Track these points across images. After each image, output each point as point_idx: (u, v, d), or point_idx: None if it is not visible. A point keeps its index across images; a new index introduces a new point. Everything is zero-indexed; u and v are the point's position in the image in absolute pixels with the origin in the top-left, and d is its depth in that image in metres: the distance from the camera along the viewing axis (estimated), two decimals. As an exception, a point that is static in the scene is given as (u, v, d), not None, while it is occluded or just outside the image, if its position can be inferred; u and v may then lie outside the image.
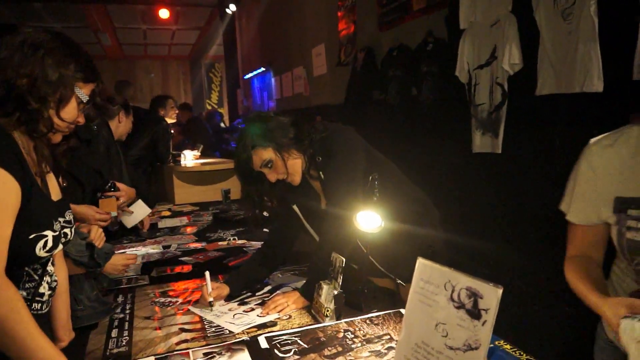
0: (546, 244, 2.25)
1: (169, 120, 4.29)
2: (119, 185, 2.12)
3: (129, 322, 1.53)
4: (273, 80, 6.64)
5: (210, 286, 1.63)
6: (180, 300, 1.70)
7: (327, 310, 1.44)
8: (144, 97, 13.57)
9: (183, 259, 2.18)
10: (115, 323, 1.53)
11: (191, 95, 14.45)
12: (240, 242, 2.44)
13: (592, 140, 1.20)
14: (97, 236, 1.55)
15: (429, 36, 3.08)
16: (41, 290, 1.14)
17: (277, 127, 1.59)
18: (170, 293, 1.77)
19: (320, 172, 1.62)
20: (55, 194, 1.23)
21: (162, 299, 1.71)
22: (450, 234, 1.90)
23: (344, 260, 1.44)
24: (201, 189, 3.89)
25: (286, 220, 1.81)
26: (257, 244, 2.37)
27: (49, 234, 1.10)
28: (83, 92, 1.16)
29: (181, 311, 1.60)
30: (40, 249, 1.08)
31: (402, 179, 1.77)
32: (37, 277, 1.14)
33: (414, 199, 1.75)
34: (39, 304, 1.14)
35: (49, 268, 1.19)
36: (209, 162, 4.26)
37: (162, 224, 2.92)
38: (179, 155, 4.09)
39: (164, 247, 2.38)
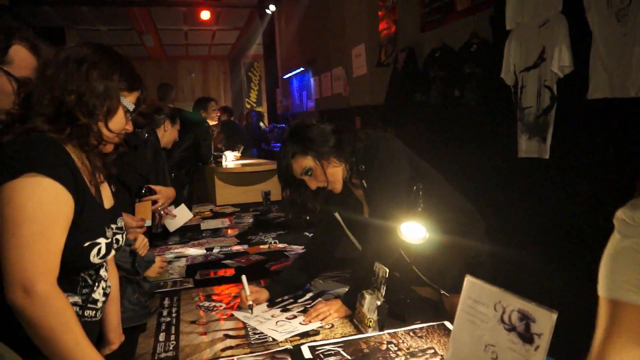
0: (597, 256, 2.17)
1: (211, 122, 4.37)
2: (155, 187, 2.17)
3: (175, 326, 1.57)
4: (312, 80, 6.66)
5: (248, 290, 1.66)
6: (224, 305, 1.73)
7: (370, 321, 1.43)
8: (185, 98, 13.89)
9: (226, 262, 2.22)
10: (163, 326, 1.57)
11: (231, 95, 14.67)
12: (281, 245, 2.46)
13: (619, 211, 0.92)
14: (142, 245, 1.60)
15: (473, 37, 3.01)
16: (95, 296, 1.19)
17: (318, 135, 1.59)
18: (214, 297, 1.81)
19: (363, 181, 1.62)
20: (108, 201, 1.28)
21: (207, 303, 1.75)
22: (495, 243, 1.85)
23: (387, 271, 1.43)
24: (242, 189, 3.95)
25: (328, 227, 1.81)
26: (298, 248, 2.38)
27: (102, 241, 1.14)
28: (128, 100, 1.20)
29: (225, 316, 1.63)
30: (94, 256, 1.12)
31: (447, 188, 1.74)
32: (91, 282, 1.18)
33: (459, 209, 1.71)
34: (93, 312, 1.19)
35: (102, 273, 1.23)
36: (250, 164, 4.32)
37: (204, 226, 2.97)
38: (221, 157, 4.16)
39: (207, 250, 2.43)
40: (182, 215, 2.56)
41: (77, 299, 1.14)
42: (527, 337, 0.84)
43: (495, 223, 2.43)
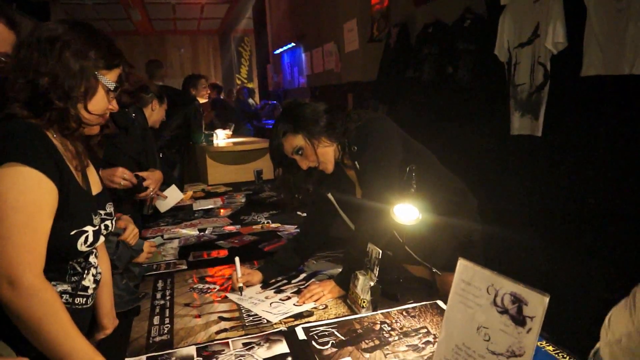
0: (587, 234, 2.19)
1: (201, 100, 4.32)
2: (143, 174, 2.14)
3: (169, 309, 1.57)
4: (304, 55, 6.57)
5: (240, 272, 1.66)
6: (217, 286, 1.73)
7: (364, 302, 1.44)
8: (174, 74, 13.68)
9: (219, 242, 2.22)
10: (157, 310, 1.57)
11: (221, 71, 14.49)
12: (274, 225, 2.45)
13: None
14: (132, 235, 1.58)
15: (467, 12, 2.98)
16: (85, 283, 1.18)
17: (310, 114, 1.58)
18: (208, 279, 1.81)
19: (356, 162, 1.61)
20: (96, 187, 1.25)
21: (201, 285, 1.75)
22: (487, 221, 1.86)
23: (380, 252, 1.43)
24: (234, 168, 3.93)
25: (321, 208, 1.80)
26: (291, 228, 2.38)
27: (90, 229, 1.12)
28: (108, 79, 1.14)
29: (219, 298, 1.63)
30: (81, 244, 1.11)
31: (440, 168, 1.73)
32: (80, 270, 1.17)
33: (452, 188, 1.72)
34: (84, 299, 1.18)
35: (92, 260, 1.22)
36: (241, 142, 4.29)
37: (196, 206, 2.96)
38: (212, 135, 4.12)
39: (200, 231, 2.42)
40: (173, 196, 2.54)
41: (66, 287, 1.13)
42: (519, 319, 0.85)
43: (487, 200, 2.44)
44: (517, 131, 2.58)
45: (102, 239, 1.21)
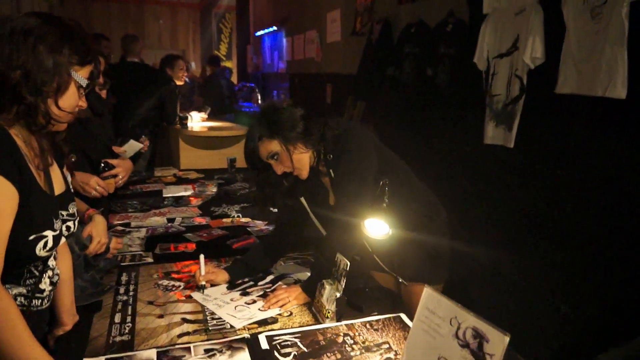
0: (551, 244, 2.25)
1: (178, 83, 4.22)
2: (113, 161, 2.09)
3: (132, 306, 1.55)
4: (285, 40, 6.49)
5: (205, 270, 1.66)
6: (182, 284, 1.72)
7: (328, 312, 1.45)
8: (151, 44, 13.35)
9: (187, 235, 2.19)
10: (119, 306, 1.55)
11: (199, 46, 14.18)
12: (244, 220, 2.44)
13: None
14: (96, 250, 1.56)
15: (449, 16, 2.97)
16: (42, 286, 1.15)
17: (287, 119, 1.57)
18: (174, 275, 1.79)
19: (330, 170, 1.61)
20: (59, 186, 1.21)
21: (165, 282, 1.73)
22: (455, 231, 1.90)
23: (348, 263, 1.44)
24: (207, 153, 3.87)
25: (293, 211, 1.80)
26: (261, 224, 2.37)
27: (49, 234, 1.09)
28: (81, 75, 1.11)
29: (184, 298, 1.62)
30: (40, 249, 1.07)
31: (412, 180, 1.75)
32: (37, 273, 1.14)
33: (424, 201, 1.74)
34: (39, 300, 1.15)
35: (50, 263, 1.19)
36: (216, 127, 4.22)
37: (166, 192, 2.92)
38: (186, 118, 4.04)
39: (169, 220, 2.39)
40: (131, 149, 2.50)
41: (21, 289, 1.10)
42: (479, 355, 0.87)
43: (455, 203, 2.48)
44: (491, 140, 2.61)
45: (63, 240, 1.18)
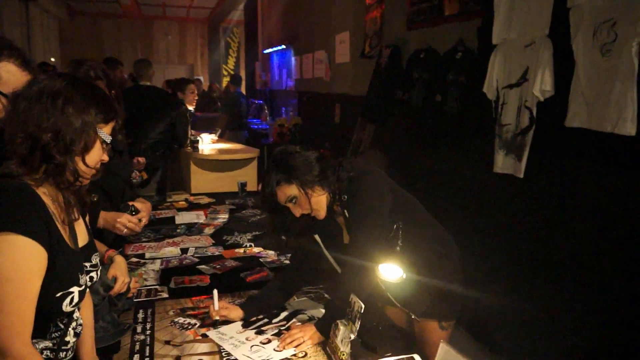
0: (561, 276, 2.26)
1: (189, 106, 4.28)
2: (138, 205, 2.13)
3: (149, 346, 1.57)
4: (293, 59, 6.56)
5: (217, 305, 1.70)
6: (198, 322, 1.74)
7: (343, 354, 1.46)
8: (159, 60, 13.51)
9: (201, 267, 2.22)
10: (137, 346, 1.57)
11: (207, 60, 14.33)
12: (256, 249, 2.47)
13: None
14: (120, 290, 1.59)
15: (459, 44, 3.01)
16: (67, 338, 1.18)
17: (303, 163, 1.59)
18: (189, 312, 1.82)
19: (345, 211, 1.63)
20: (83, 237, 1.25)
21: (181, 319, 1.76)
22: (465, 263, 1.91)
23: (363, 306, 1.46)
24: (218, 176, 3.92)
25: (307, 248, 1.83)
26: (272, 254, 2.40)
27: (75, 289, 1.12)
28: (105, 132, 1.17)
29: (199, 337, 1.64)
30: (67, 305, 1.11)
31: (426, 218, 1.77)
32: (62, 326, 1.17)
33: (437, 238, 1.76)
34: (64, 352, 1.18)
35: (75, 315, 1.22)
36: (227, 150, 4.27)
37: (179, 219, 2.95)
38: (197, 141, 4.10)
39: (182, 251, 2.42)
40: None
41: (47, 343, 1.13)
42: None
43: (464, 230, 2.49)
44: (500, 169, 2.62)
45: (86, 292, 1.21)
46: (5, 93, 1.31)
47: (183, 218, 2.98)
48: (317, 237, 1.79)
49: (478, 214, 2.82)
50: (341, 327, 1.51)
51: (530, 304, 2.34)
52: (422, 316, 1.78)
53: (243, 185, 3.50)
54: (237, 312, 1.75)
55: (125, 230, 2.02)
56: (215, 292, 1.71)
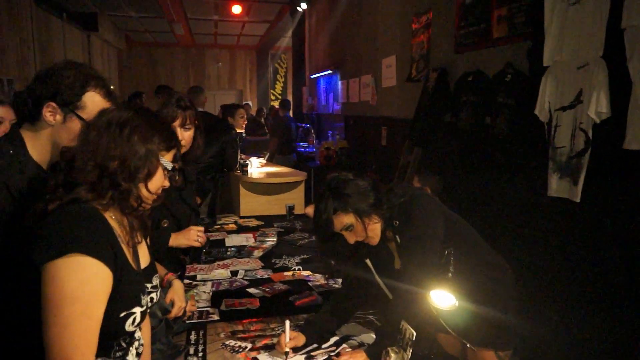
0: (621, 306, 2.15)
1: (238, 130, 4.40)
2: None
3: (202, 369, 1.61)
4: (340, 83, 6.64)
5: (289, 336, 1.67)
6: (249, 345, 1.77)
7: (394, 382, 1.45)
8: (211, 86, 14.02)
9: (250, 290, 2.26)
10: (190, 369, 1.61)
11: (256, 85, 14.73)
12: (304, 273, 2.49)
13: None
14: (177, 314, 1.65)
15: (508, 67, 2.97)
16: (129, 358, 1.22)
17: (358, 192, 1.60)
18: (240, 335, 1.85)
19: (397, 236, 1.63)
20: (145, 259, 1.31)
21: (232, 342, 1.79)
22: (523, 288, 1.85)
23: (415, 333, 1.44)
24: (266, 199, 3.98)
25: (358, 273, 1.83)
26: (320, 278, 2.41)
27: (137, 310, 1.17)
28: (167, 159, 1.23)
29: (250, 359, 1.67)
30: (129, 325, 1.15)
31: (479, 243, 1.74)
32: (125, 345, 1.21)
33: (490, 264, 1.73)
34: None
35: (137, 334, 1.27)
36: (275, 174, 4.35)
37: (229, 242, 3.02)
38: (247, 165, 4.20)
39: (232, 273, 2.47)
40: None
41: None
42: None
43: (518, 260, 2.42)
44: (555, 193, 2.54)
45: (147, 312, 1.27)
46: (88, 121, 1.39)
47: (233, 240, 3.05)
48: (368, 261, 1.79)
49: (531, 237, 2.74)
50: (392, 355, 1.50)
51: (590, 334, 2.23)
52: (479, 345, 1.73)
53: (291, 208, 3.55)
54: (302, 339, 1.75)
55: (197, 243, 2.18)
56: (287, 322, 1.68)
